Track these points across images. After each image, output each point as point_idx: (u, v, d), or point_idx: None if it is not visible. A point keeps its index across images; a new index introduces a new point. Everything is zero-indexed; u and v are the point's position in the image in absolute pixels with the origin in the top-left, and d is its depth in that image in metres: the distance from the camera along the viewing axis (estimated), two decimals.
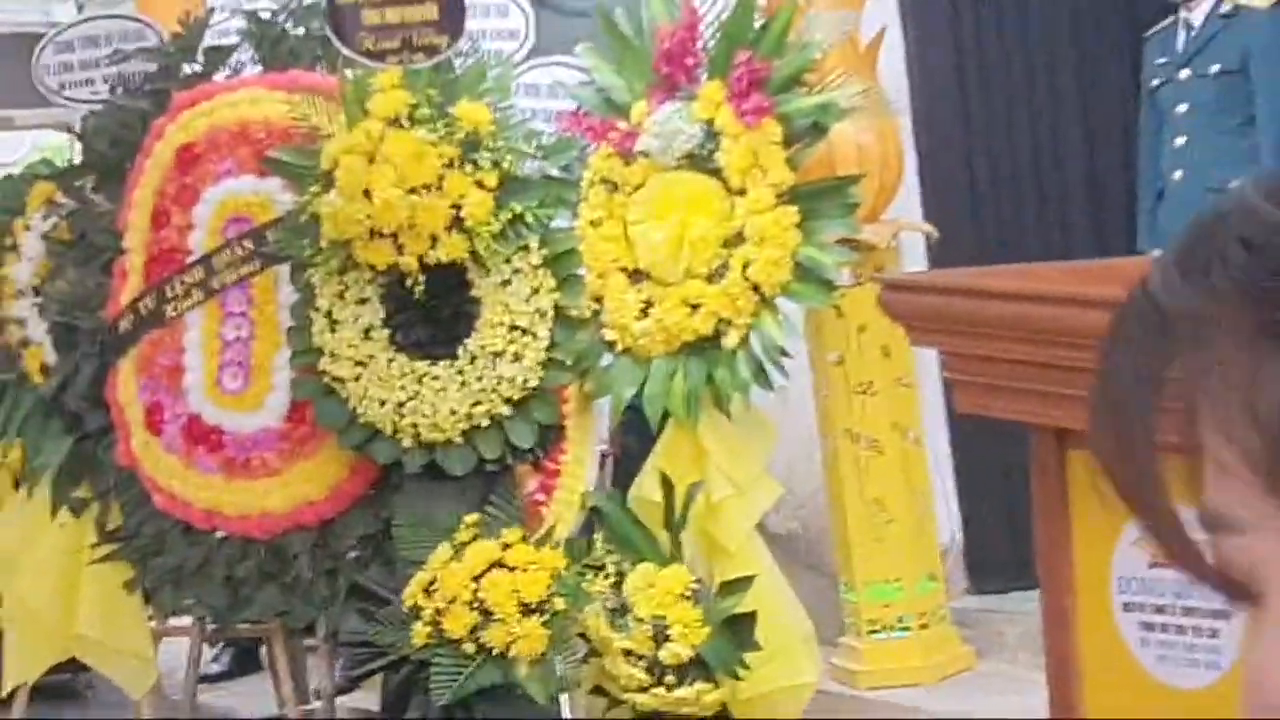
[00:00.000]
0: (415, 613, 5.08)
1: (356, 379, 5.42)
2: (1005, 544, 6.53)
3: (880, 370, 6.10)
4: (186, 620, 6.24)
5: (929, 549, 6.33)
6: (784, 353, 5.26)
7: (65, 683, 7.76)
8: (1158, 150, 7.17)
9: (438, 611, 5.02)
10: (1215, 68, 7.00)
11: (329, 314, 5.46)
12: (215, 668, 8.02)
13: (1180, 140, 7.06)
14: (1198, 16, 7.12)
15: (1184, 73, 7.10)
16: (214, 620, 6.00)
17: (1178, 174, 7.05)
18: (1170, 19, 7.23)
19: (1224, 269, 0.77)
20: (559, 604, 4.99)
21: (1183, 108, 7.08)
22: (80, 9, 13.53)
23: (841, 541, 6.28)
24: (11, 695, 6.61)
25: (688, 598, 5.11)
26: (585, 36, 5.96)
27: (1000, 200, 7.53)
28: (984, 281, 2.67)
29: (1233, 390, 0.76)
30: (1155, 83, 7.24)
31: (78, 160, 6.50)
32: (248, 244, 5.82)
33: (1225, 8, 7.08)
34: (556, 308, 5.34)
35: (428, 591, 5.08)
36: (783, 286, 5.22)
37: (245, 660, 8.00)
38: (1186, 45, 7.12)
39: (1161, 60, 7.22)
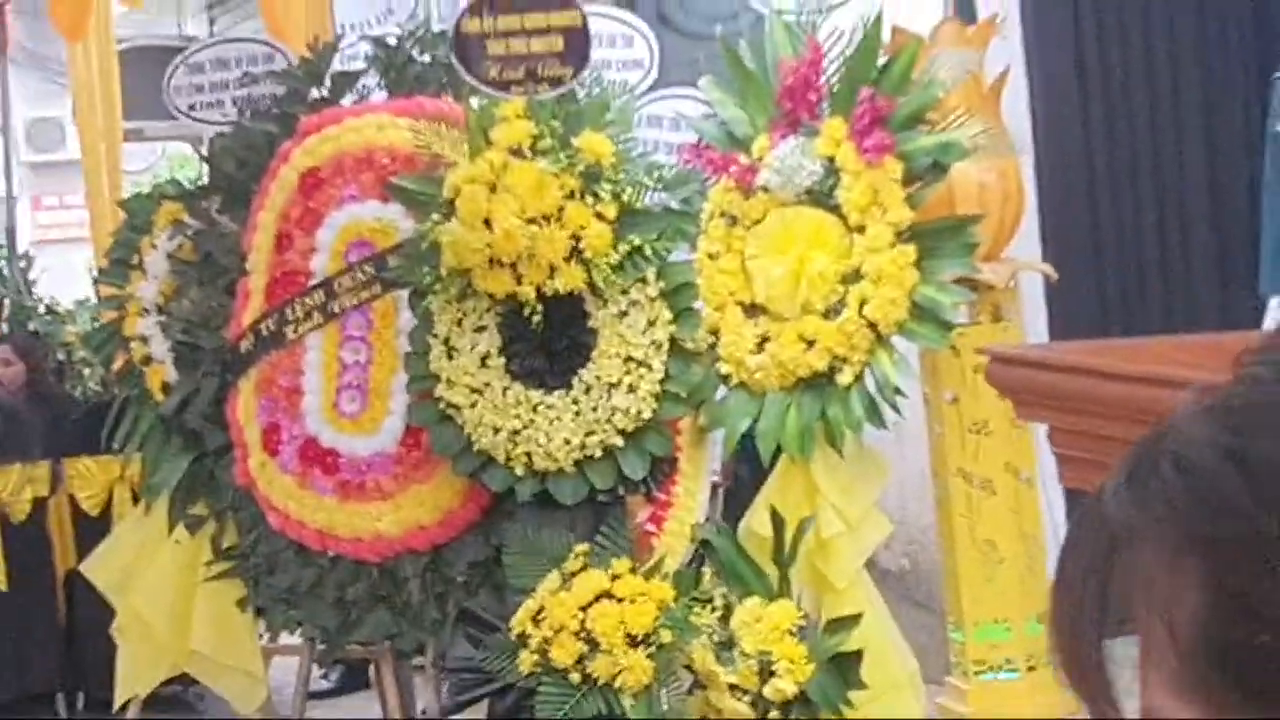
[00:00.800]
0: (523, 640, 5.10)
1: (472, 406, 5.45)
2: None
3: (995, 410, 6.06)
4: (297, 639, 6.30)
5: (1039, 591, 6.28)
6: (899, 391, 5.25)
7: (177, 695, 7.86)
8: None
9: (545, 640, 5.04)
10: None
11: (447, 341, 5.50)
12: (324, 684, 8.10)
13: None
14: None
15: None
16: (324, 640, 6.05)
17: None
18: None
19: (1159, 485, 0.79)
20: (666, 636, 4.99)
21: None
22: (212, 24, 13.72)
23: (951, 580, 6.24)
24: (125, 706, 6.69)
25: (794, 634, 5.10)
26: (709, 59, 5.97)
27: (1122, 243, 7.49)
28: (1092, 360, 2.65)
29: (1154, 605, 0.78)
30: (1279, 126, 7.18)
31: (204, 180, 6.58)
32: (369, 269, 5.87)
33: None
34: (672, 340, 5.36)
35: (535, 620, 5.10)
36: (899, 325, 5.21)
37: (353, 677, 8.07)
38: None
39: None
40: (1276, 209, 7.17)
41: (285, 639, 6.49)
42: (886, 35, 5.50)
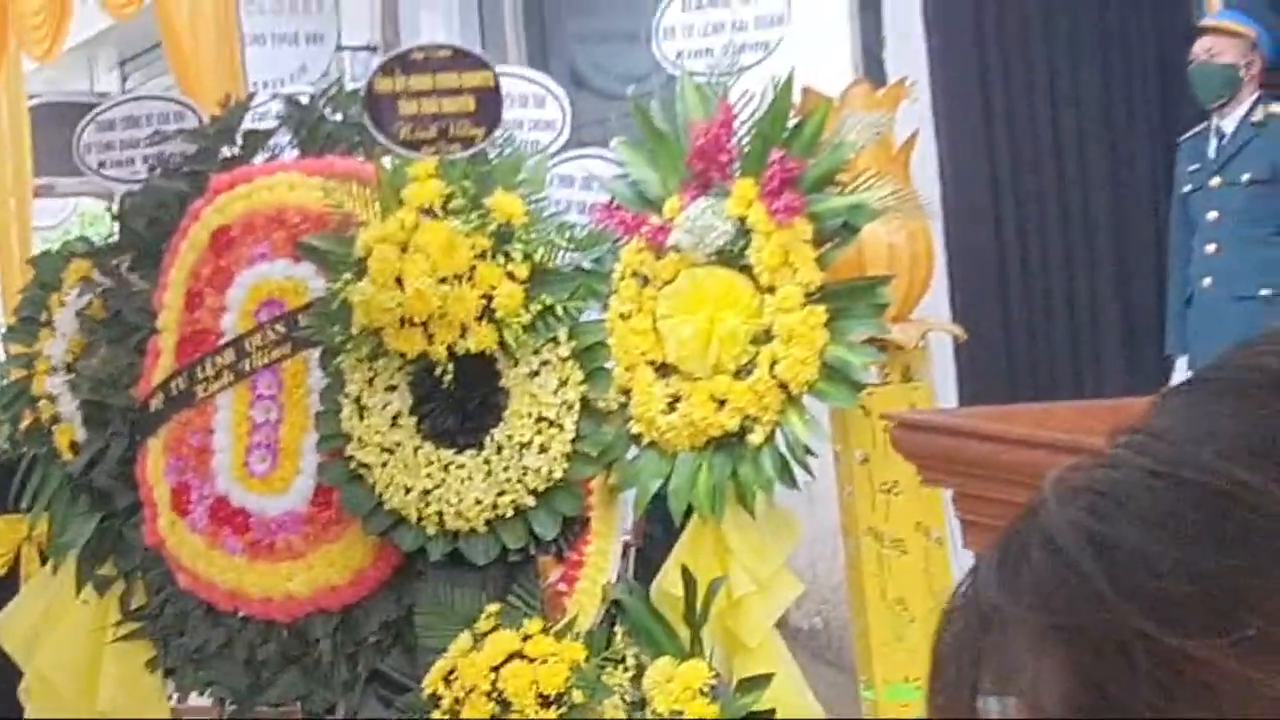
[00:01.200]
0: (434, 701, 5.09)
1: (383, 465, 5.44)
2: None
3: (905, 470, 6.06)
4: (207, 700, 6.26)
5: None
6: (809, 451, 5.27)
7: None
8: (1188, 256, 7.20)
9: (456, 700, 5.03)
10: (1246, 176, 7.05)
11: (358, 400, 5.49)
12: None
13: (1210, 247, 7.09)
14: (1230, 124, 7.17)
15: (1215, 180, 7.14)
16: (234, 701, 6.00)
17: (1207, 280, 7.08)
18: (1203, 125, 7.28)
19: (1027, 569, 0.78)
20: (578, 696, 4.99)
21: (1213, 215, 7.12)
22: (124, 80, 13.68)
23: (862, 639, 6.26)
24: None
25: (706, 693, 5.10)
26: (621, 119, 6.00)
27: (1031, 302, 7.56)
28: (995, 426, 2.68)
29: (1021, 692, 0.77)
30: (1187, 189, 7.28)
31: (115, 237, 6.55)
32: (280, 328, 5.86)
33: (1257, 116, 7.12)
34: (583, 400, 5.37)
35: (447, 680, 5.09)
36: (810, 385, 5.23)
37: None
38: (1218, 152, 7.17)
39: (1194, 167, 7.26)
40: (1181, 271, 7.27)
41: (195, 700, 6.43)
42: (797, 96, 5.54)
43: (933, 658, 0.83)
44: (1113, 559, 0.73)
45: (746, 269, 5.29)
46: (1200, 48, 7.16)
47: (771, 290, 5.26)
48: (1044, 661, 0.75)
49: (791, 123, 5.36)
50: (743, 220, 5.29)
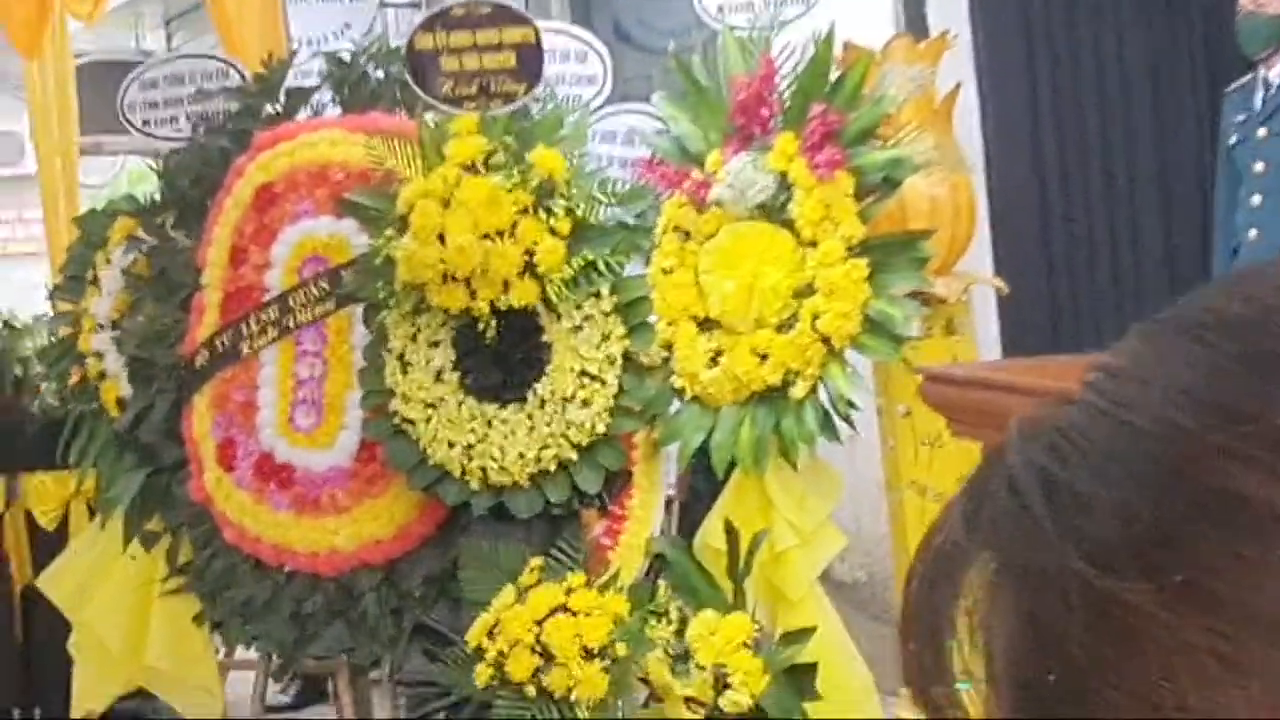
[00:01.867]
0: (478, 654, 5.12)
1: (427, 421, 5.47)
2: None
3: (948, 424, 6.09)
4: (253, 654, 6.30)
5: None
6: (852, 404, 5.27)
7: (133, 710, 7.84)
8: (1234, 208, 7.16)
9: (500, 654, 5.06)
10: None
11: (401, 356, 5.51)
12: (282, 698, 8.09)
13: (1256, 199, 7.04)
14: (1276, 75, 7.11)
15: (1261, 131, 7.09)
16: (280, 655, 6.05)
17: (1253, 233, 7.03)
18: (1250, 76, 7.23)
19: (989, 506, 0.77)
20: (621, 649, 5.01)
21: (1259, 166, 7.07)
22: (170, 39, 13.70)
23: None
24: None
25: (749, 646, 5.12)
26: (663, 75, 6.00)
27: (1074, 256, 7.54)
28: (1022, 378, 2.68)
29: (975, 631, 0.77)
30: (1233, 140, 7.23)
31: (159, 196, 6.59)
32: (323, 284, 5.89)
33: None
34: (626, 355, 5.38)
35: (491, 633, 5.12)
36: (852, 339, 5.23)
37: (311, 691, 8.06)
38: (1265, 104, 7.12)
39: (1240, 118, 7.21)
40: (1227, 223, 7.23)
41: (241, 654, 6.49)
42: (838, 50, 5.52)
43: (905, 595, 0.82)
44: (1060, 500, 0.73)
45: (788, 223, 5.29)
46: None
47: (813, 244, 5.25)
48: (996, 601, 0.75)
49: (833, 77, 5.35)
50: (784, 175, 5.28)
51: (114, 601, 6.35)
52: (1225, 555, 0.68)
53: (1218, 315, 0.76)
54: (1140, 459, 0.72)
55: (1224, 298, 0.78)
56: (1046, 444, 0.76)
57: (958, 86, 6.41)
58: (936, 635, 0.80)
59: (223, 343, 6.00)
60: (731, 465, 5.39)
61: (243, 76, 6.71)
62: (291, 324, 5.91)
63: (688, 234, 5.45)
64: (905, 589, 0.83)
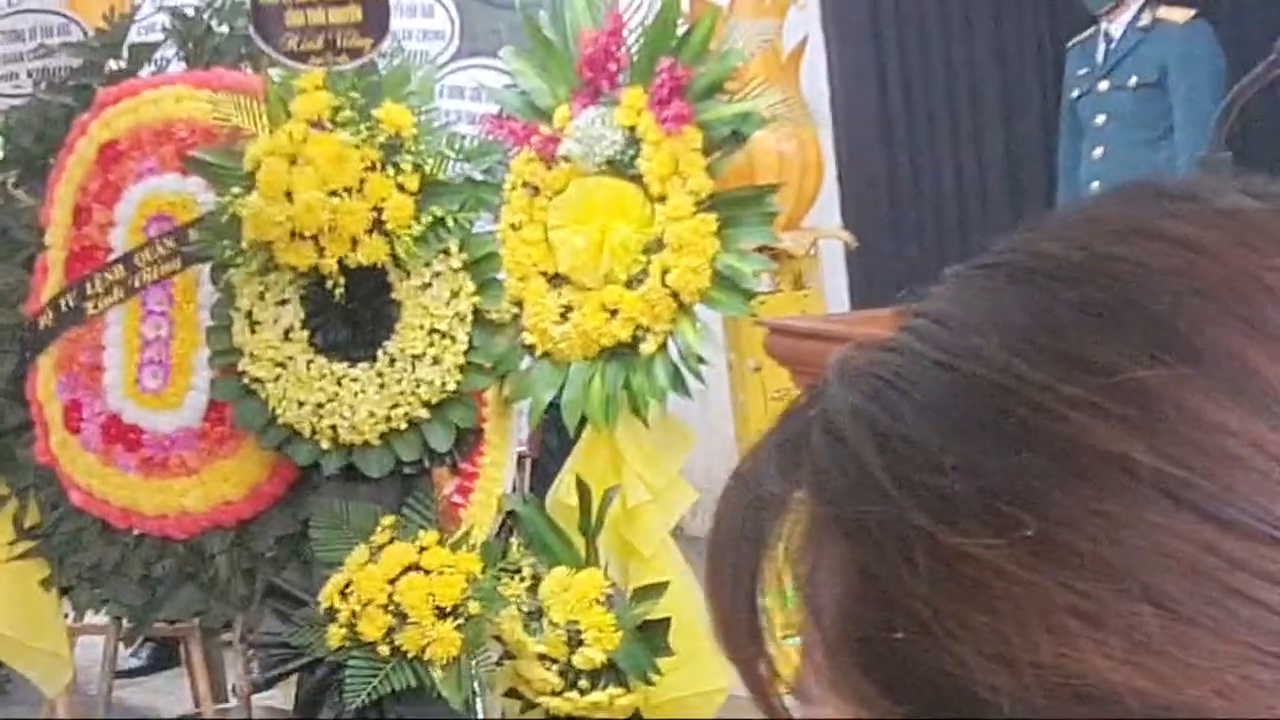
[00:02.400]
0: (331, 614, 5.10)
1: (276, 380, 5.43)
2: None
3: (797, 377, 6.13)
4: (103, 618, 6.24)
5: None
6: (701, 360, 5.29)
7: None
8: (1077, 160, 7.25)
9: (353, 614, 5.04)
10: (1133, 80, 7.10)
11: (249, 314, 5.47)
12: (133, 662, 8.01)
13: (1098, 151, 7.14)
14: (1117, 28, 7.21)
15: (1103, 84, 7.19)
16: (130, 619, 5.99)
17: (1095, 185, 7.13)
18: (1091, 30, 7.32)
19: (808, 454, 0.75)
20: (474, 607, 5.01)
21: (1101, 119, 7.16)
22: (9, 3, 13.47)
23: None
24: None
25: (602, 603, 5.14)
26: (510, 30, 5.97)
27: (921, 209, 7.60)
28: (862, 330, 2.70)
29: (800, 587, 0.75)
30: (1075, 93, 7.32)
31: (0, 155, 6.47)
32: (169, 243, 5.81)
33: (1144, 20, 7.17)
34: (476, 311, 5.36)
35: (343, 593, 5.10)
36: (701, 294, 5.25)
37: (163, 655, 7.99)
38: (1106, 57, 7.21)
39: (1082, 71, 7.30)
40: (1069, 175, 7.32)
41: (91, 618, 6.42)
42: (686, 5, 5.53)
43: (710, 547, 0.79)
44: (895, 451, 0.71)
45: (637, 178, 5.30)
46: None
47: (662, 199, 5.26)
48: (823, 553, 0.73)
49: (680, 31, 5.36)
50: (632, 129, 5.29)
51: None
52: (1081, 510, 0.67)
53: (1052, 261, 0.74)
54: (985, 411, 0.70)
55: (1052, 242, 0.76)
56: (870, 391, 0.74)
57: (804, 41, 6.44)
58: (749, 590, 0.78)
59: (67, 303, 5.92)
60: (583, 421, 5.41)
61: (85, 32, 6.60)
62: (137, 283, 5.84)
63: (536, 189, 5.45)
64: (711, 540, 0.80)
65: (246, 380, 5.48)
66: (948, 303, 0.77)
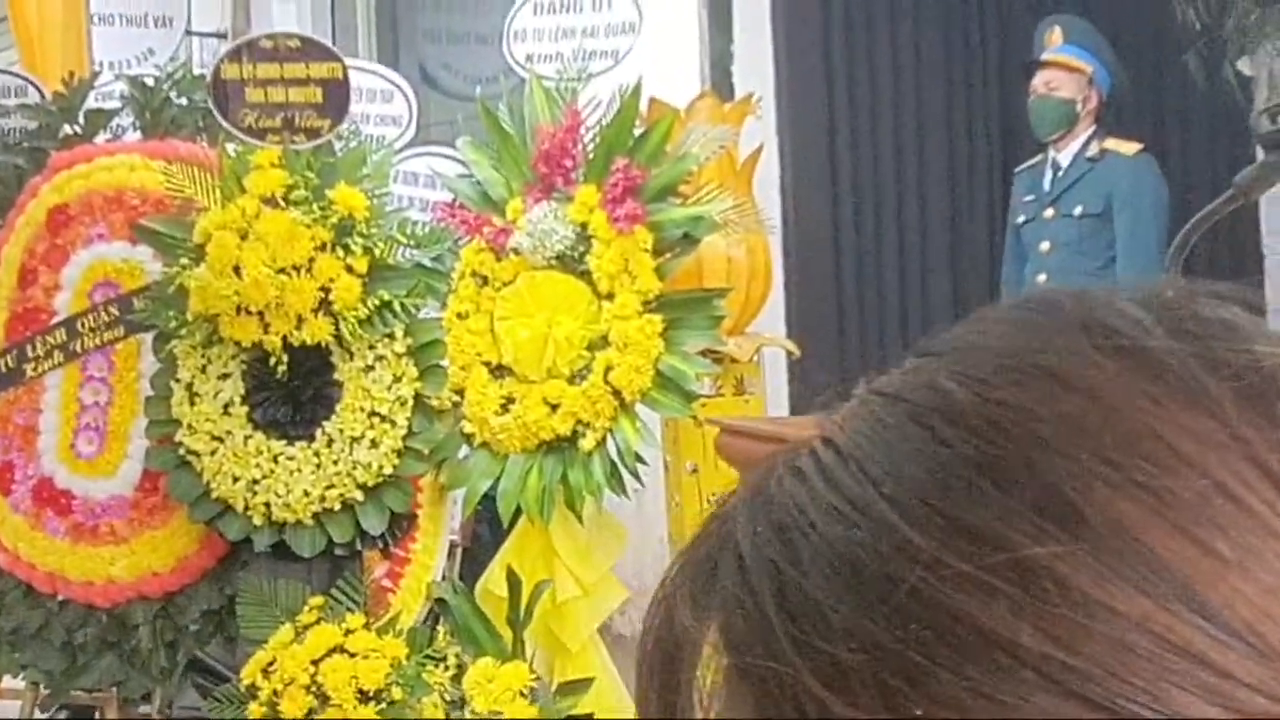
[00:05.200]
0: (252, 692, 5.07)
1: (212, 453, 5.41)
2: None
3: (734, 483, 6.13)
4: (21, 683, 6.18)
5: None
6: (639, 459, 5.31)
7: None
8: (1019, 285, 7.32)
9: (274, 692, 5.01)
10: (1079, 209, 7.18)
11: (189, 386, 5.45)
12: None
13: (1041, 277, 7.22)
14: (1066, 157, 7.30)
15: (1049, 211, 7.27)
16: (49, 685, 5.94)
17: None
18: (1040, 156, 7.41)
19: (716, 590, 0.72)
20: (396, 693, 4.99)
21: (1045, 245, 7.24)
22: None
23: None
24: None
25: (526, 696, 5.12)
26: (468, 120, 6.01)
27: (865, 321, 7.65)
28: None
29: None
30: (1021, 218, 7.40)
31: None
32: (113, 310, 5.80)
33: (1092, 150, 7.26)
34: (417, 397, 5.37)
35: (266, 671, 5.07)
36: (643, 393, 5.27)
37: None
38: (1053, 184, 7.30)
39: (1028, 197, 7.39)
40: (1015, 297, 7.40)
41: (9, 682, 6.36)
42: (644, 106, 5.58)
43: (637, 671, 0.77)
44: (793, 605, 0.67)
45: (586, 275, 5.33)
46: (1040, 81, 7.28)
47: (610, 297, 5.29)
48: (732, 699, 0.70)
49: (637, 131, 5.40)
50: (584, 226, 5.32)
51: None
52: (968, 694, 0.64)
53: (949, 402, 0.70)
54: (877, 575, 0.66)
55: (952, 379, 0.72)
56: (776, 524, 0.71)
57: (760, 149, 6.49)
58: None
59: (6, 364, 5.90)
60: (517, 513, 5.41)
61: (42, 95, 6.61)
62: (79, 348, 5.82)
63: (485, 279, 5.47)
64: (638, 671, 0.77)
65: (182, 452, 5.47)
66: (853, 434, 0.74)
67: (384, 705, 4.97)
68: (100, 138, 6.17)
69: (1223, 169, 5.63)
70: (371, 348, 5.34)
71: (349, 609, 5.19)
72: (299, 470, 5.34)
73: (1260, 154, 2.82)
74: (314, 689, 4.99)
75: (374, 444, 5.33)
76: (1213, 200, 2.80)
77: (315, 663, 5.02)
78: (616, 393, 5.26)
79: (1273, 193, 6.58)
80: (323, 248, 5.26)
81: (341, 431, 5.34)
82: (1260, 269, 7.81)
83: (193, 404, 5.45)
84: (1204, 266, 6.88)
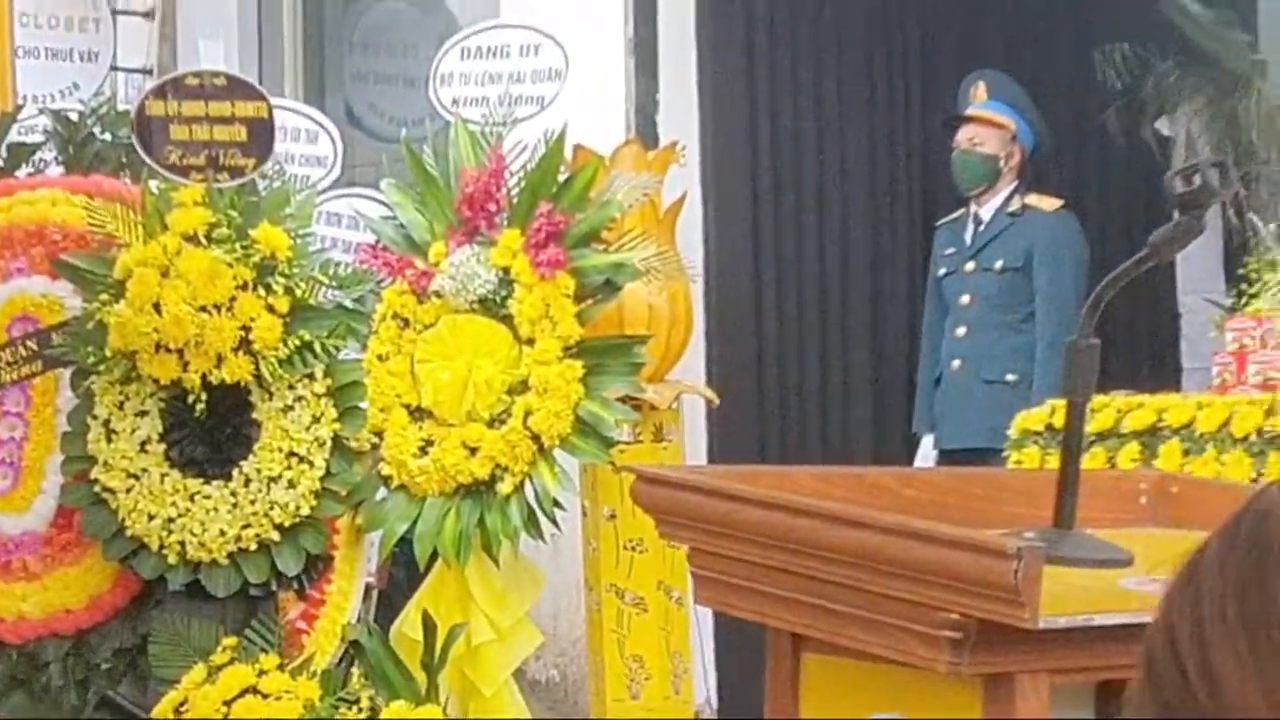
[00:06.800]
0: None
1: (128, 491, 5.38)
2: (757, 713, 6.59)
3: (650, 529, 6.14)
4: None
5: (683, 710, 6.38)
6: (557, 504, 5.31)
7: None
8: (939, 338, 7.36)
9: None
10: (1000, 263, 7.23)
11: (107, 423, 5.43)
12: None
13: (961, 330, 7.26)
14: (987, 212, 7.35)
15: (970, 265, 7.31)
16: None
17: (956, 363, 7.24)
18: (962, 211, 7.45)
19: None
20: None
21: (966, 299, 7.28)
22: None
23: (598, 695, 6.31)
24: None
25: None
26: (393, 162, 6.01)
27: (785, 370, 7.68)
28: (735, 485, 2.75)
29: None
30: (942, 272, 7.44)
31: None
32: (31, 344, 5.77)
33: (1014, 206, 7.31)
34: (336, 438, 5.36)
35: (178, 711, 5.05)
36: (562, 438, 5.28)
37: None
38: (974, 239, 7.34)
39: (950, 251, 7.43)
40: (932, 351, 7.43)
41: None
42: (569, 152, 5.60)
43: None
44: None
45: (507, 319, 5.33)
46: (963, 136, 7.33)
47: (530, 342, 5.30)
48: None
49: (561, 178, 5.42)
50: (506, 270, 5.33)
51: None
52: None
53: None
54: None
55: None
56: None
57: (683, 197, 6.52)
58: None
59: None
60: (433, 556, 5.40)
61: None
62: None
63: (406, 322, 5.46)
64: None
65: (98, 489, 5.44)
66: None
67: None
68: (22, 171, 6.14)
69: (1141, 225, 5.67)
70: (291, 388, 5.33)
71: (263, 650, 5.17)
72: (215, 509, 5.32)
73: (1176, 214, 2.84)
74: None
75: (291, 484, 5.31)
76: (1131, 258, 2.83)
77: (228, 703, 5.00)
78: (535, 437, 5.27)
79: (1188, 252, 6.67)
80: (244, 287, 5.25)
81: (259, 471, 5.33)
82: (1176, 327, 7.88)
83: (110, 441, 5.42)
84: (1121, 323, 6.95)
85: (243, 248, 5.29)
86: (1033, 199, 7.32)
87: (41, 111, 6.79)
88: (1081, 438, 2.84)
